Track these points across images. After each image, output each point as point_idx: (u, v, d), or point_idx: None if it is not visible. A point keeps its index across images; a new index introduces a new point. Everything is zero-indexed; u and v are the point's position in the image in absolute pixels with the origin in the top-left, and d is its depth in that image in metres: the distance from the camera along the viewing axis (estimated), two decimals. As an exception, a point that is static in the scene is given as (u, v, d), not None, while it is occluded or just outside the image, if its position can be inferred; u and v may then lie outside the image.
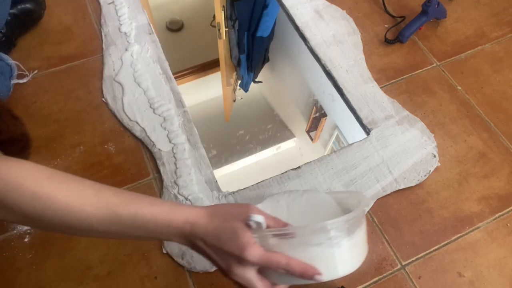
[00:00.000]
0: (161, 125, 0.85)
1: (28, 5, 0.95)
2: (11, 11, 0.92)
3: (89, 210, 0.45)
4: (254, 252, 0.44)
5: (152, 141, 0.83)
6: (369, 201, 0.49)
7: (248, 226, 0.46)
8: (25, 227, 0.73)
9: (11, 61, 0.89)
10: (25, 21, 0.96)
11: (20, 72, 0.90)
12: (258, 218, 0.45)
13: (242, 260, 0.45)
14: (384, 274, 0.72)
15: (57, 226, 0.45)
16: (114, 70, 0.92)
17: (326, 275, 0.46)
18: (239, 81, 2.25)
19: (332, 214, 0.54)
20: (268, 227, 0.47)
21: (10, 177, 0.42)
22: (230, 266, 0.46)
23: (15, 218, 0.45)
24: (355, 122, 0.92)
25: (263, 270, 0.47)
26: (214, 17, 1.65)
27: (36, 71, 0.91)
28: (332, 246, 0.46)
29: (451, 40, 1.03)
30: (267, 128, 2.70)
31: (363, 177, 0.81)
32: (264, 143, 2.66)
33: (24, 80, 0.90)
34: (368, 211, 0.77)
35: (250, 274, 0.46)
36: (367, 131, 0.87)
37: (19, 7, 0.94)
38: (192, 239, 0.47)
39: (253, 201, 0.77)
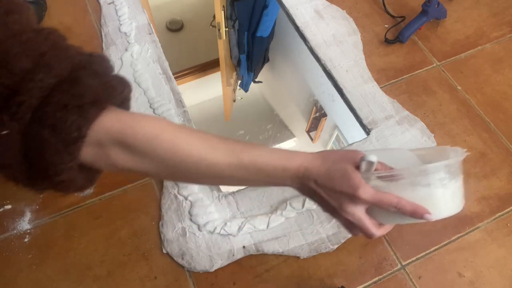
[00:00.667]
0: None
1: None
2: None
3: (220, 157, 0.48)
4: (367, 191, 0.47)
5: (152, 141, 0.83)
6: (463, 150, 0.52)
7: (358, 168, 0.49)
8: (25, 227, 0.73)
9: None
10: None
11: None
12: (372, 158, 0.47)
13: (354, 199, 0.47)
14: (384, 274, 0.72)
15: (190, 173, 0.49)
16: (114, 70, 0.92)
17: (434, 215, 0.48)
18: (239, 81, 2.26)
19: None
20: (376, 170, 0.50)
21: (150, 128, 0.46)
22: (342, 204, 0.48)
23: (154, 167, 0.47)
24: (355, 122, 0.92)
25: (370, 211, 0.50)
26: (214, 17, 1.65)
27: None
28: (440, 187, 0.49)
29: (451, 40, 1.03)
30: (267, 128, 2.70)
31: (363, 177, 0.80)
32: (264, 143, 2.66)
33: None
34: (368, 211, 0.77)
35: (360, 212, 0.49)
36: (367, 131, 0.87)
37: None
38: (305, 181, 0.50)
39: (253, 200, 0.77)
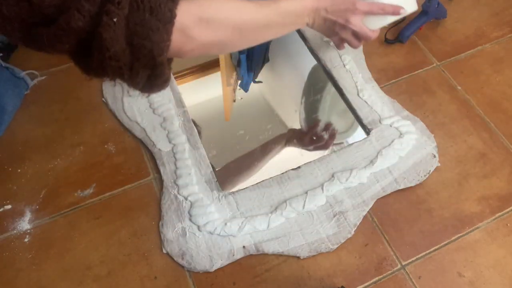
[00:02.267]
0: (161, 125, 0.85)
1: None
2: None
3: (265, 11, 0.64)
4: (362, 3, 0.71)
5: (152, 141, 0.83)
6: None
7: None
8: (25, 227, 0.73)
9: (22, 74, 0.88)
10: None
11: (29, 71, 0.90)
12: None
13: (355, 11, 0.71)
14: (384, 274, 0.72)
15: (255, 28, 0.64)
16: (114, 70, 0.92)
17: (405, 10, 0.74)
18: (239, 81, 2.25)
19: None
20: None
21: (219, 3, 0.58)
22: (348, 18, 0.71)
23: (229, 33, 0.60)
24: (355, 122, 0.92)
25: (363, 22, 0.74)
26: (214, 17, 1.65)
27: (44, 77, 0.91)
28: None
29: (451, 40, 1.03)
30: (267, 128, 2.69)
31: (363, 177, 0.81)
32: (264, 143, 2.65)
33: (35, 82, 0.90)
34: (368, 211, 0.77)
35: (361, 22, 0.73)
36: (367, 131, 0.87)
37: None
38: (318, 13, 0.71)
39: (253, 200, 0.77)
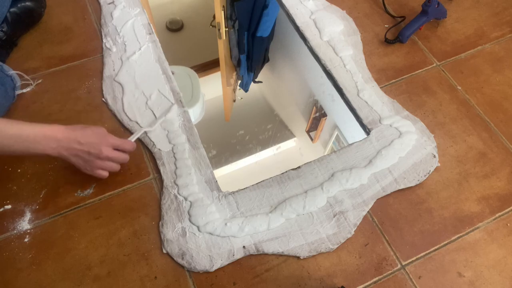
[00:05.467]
0: (161, 125, 0.85)
1: (28, 3, 0.95)
2: (12, 9, 0.92)
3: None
4: (113, 137, 0.74)
5: (152, 141, 0.83)
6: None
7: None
8: (25, 227, 0.73)
9: (11, 72, 0.88)
10: (26, 20, 0.96)
11: (24, 82, 0.89)
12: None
13: (107, 143, 0.73)
14: (384, 274, 0.72)
15: None
16: (114, 70, 0.92)
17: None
18: (239, 81, 2.25)
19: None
20: None
21: None
22: (101, 149, 0.72)
23: None
24: (355, 122, 0.92)
25: None
26: (214, 17, 1.65)
27: (40, 80, 0.91)
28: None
29: (451, 40, 1.03)
30: (267, 128, 2.70)
31: (363, 177, 0.81)
32: (264, 143, 2.66)
33: (28, 89, 0.89)
34: (368, 211, 0.77)
35: (112, 151, 0.74)
36: (367, 131, 0.87)
37: (19, 5, 0.94)
38: (70, 145, 0.70)
39: (253, 200, 0.77)
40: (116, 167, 0.76)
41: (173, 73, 0.93)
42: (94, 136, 0.72)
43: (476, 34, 1.04)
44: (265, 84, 2.41)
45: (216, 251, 0.72)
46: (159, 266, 0.71)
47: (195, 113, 1.53)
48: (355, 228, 0.75)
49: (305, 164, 0.82)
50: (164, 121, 0.85)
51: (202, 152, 0.83)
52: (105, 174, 0.75)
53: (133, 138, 0.80)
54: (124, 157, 0.76)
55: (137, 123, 0.85)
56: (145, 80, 0.91)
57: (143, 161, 0.82)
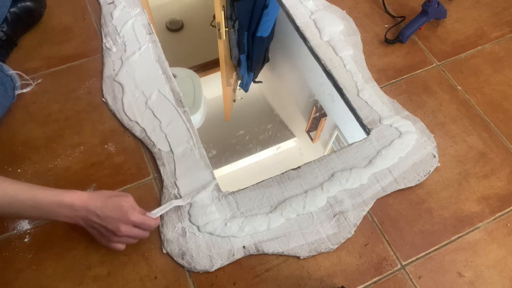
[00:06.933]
0: (160, 125, 0.85)
1: (28, 3, 0.95)
2: (12, 9, 0.92)
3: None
4: (136, 214, 0.67)
5: (152, 141, 0.83)
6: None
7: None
8: (25, 227, 0.73)
9: (11, 71, 0.88)
10: (26, 20, 0.96)
11: (24, 82, 0.89)
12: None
13: (127, 221, 0.66)
14: (384, 274, 0.72)
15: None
16: (114, 70, 0.92)
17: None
18: (239, 81, 2.25)
19: None
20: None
21: None
22: (119, 226, 0.65)
23: None
24: (355, 122, 0.92)
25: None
26: (214, 17, 1.65)
27: (40, 80, 0.91)
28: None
29: (451, 40, 1.03)
30: (267, 128, 2.70)
31: (363, 177, 0.81)
32: (264, 143, 2.66)
33: (28, 89, 0.89)
34: (368, 211, 0.77)
35: (132, 228, 0.67)
36: (367, 131, 0.87)
37: (19, 5, 0.94)
38: (88, 216, 0.65)
39: (253, 200, 0.77)
40: (133, 241, 0.70)
41: (175, 76, 0.91)
42: (115, 211, 0.65)
43: (476, 34, 1.04)
44: (265, 84, 2.41)
45: (216, 251, 0.72)
46: (159, 266, 0.71)
47: (196, 120, 1.53)
48: (355, 228, 0.75)
49: (305, 164, 0.82)
50: (164, 121, 0.85)
51: (202, 152, 0.83)
52: (121, 247, 0.69)
53: (158, 214, 0.71)
54: (144, 234, 0.69)
55: (137, 123, 0.85)
56: (145, 80, 0.91)
57: (143, 161, 0.82)
